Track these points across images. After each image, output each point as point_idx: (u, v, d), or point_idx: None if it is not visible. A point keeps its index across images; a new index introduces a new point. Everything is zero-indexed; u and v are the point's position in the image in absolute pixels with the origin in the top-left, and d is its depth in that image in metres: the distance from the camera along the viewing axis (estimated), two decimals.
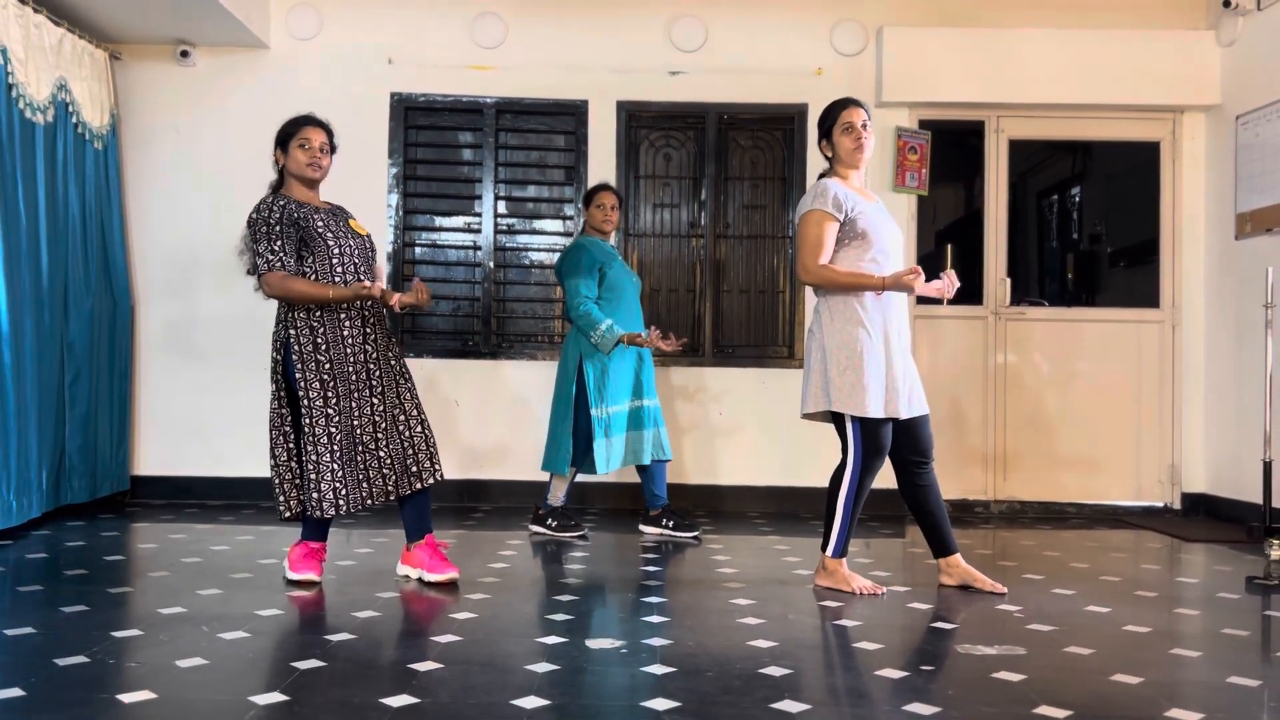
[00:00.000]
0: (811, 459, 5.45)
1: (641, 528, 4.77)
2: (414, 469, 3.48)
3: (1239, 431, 5.34)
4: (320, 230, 3.44)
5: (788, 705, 2.32)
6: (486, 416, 5.61)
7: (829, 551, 3.57)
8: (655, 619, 3.11)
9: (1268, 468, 4.65)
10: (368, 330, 3.50)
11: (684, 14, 5.65)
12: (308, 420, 3.39)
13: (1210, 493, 5.62)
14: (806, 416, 3.64)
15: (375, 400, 3.47)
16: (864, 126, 3.53)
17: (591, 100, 5.64)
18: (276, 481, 3.53)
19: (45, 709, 2.24)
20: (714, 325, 5.67)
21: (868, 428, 3.48)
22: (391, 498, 3.47)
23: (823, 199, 3.48)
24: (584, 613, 3.22)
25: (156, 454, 5.55)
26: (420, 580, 3.55)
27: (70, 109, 5.00)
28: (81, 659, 2.59)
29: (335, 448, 3.38)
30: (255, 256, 3.42)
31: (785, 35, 5.66)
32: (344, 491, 3.39)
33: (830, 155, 3.61)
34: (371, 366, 3.49)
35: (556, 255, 5.68)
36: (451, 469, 5.58)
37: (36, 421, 4.68)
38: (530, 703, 2.30)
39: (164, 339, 5.57)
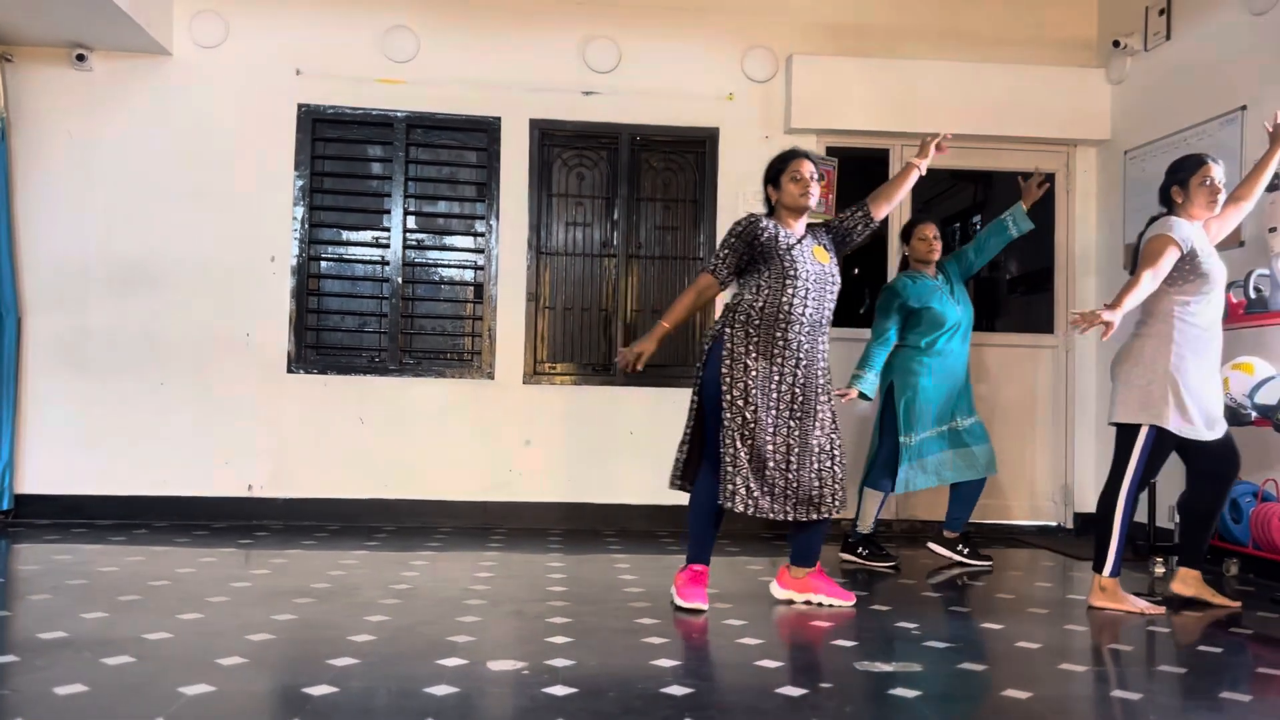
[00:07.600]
0: None
1: (931, 546, 4.82)
2: (816, 499, 3.56)
3: None
4: (782, 251, 3.52)
5: None
6: (393, 435, 5.51)
7: (1107, 571, 3.67)
8: (558, 639, 3.09)
9: (1152, 489, 4.83)
10: (801, 355, 3.55)
11: (598, 35, 5.68)
12: (728, 414, 3.47)
13: None
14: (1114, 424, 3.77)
15: (793, 423, 3.54)
16: (1221, 181, 3.73)
17: (505, 117, 5.63)
18: (678, 457, 3.70)
19: None
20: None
21: (1160, 441, 3.64)
22: (789, 518, 3.55)
23: (1169, 227, 3.63)
24: (486, 634, 3.18)
25: (43, 471, 5.32)
26: (808, 603, 3.70)
27: None
28: None
29: (745, 450, 3.46)
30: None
31: (697, 60, 5.74)
32: (751, 493, 3.47)
33: (1180, 201, 3.76)
34: (798, 391, 3.55)
35: (467, 272, 5.64)
36: (355, 488, 5.49)
37: None
38: None
39: (53, 351, 5.35)
